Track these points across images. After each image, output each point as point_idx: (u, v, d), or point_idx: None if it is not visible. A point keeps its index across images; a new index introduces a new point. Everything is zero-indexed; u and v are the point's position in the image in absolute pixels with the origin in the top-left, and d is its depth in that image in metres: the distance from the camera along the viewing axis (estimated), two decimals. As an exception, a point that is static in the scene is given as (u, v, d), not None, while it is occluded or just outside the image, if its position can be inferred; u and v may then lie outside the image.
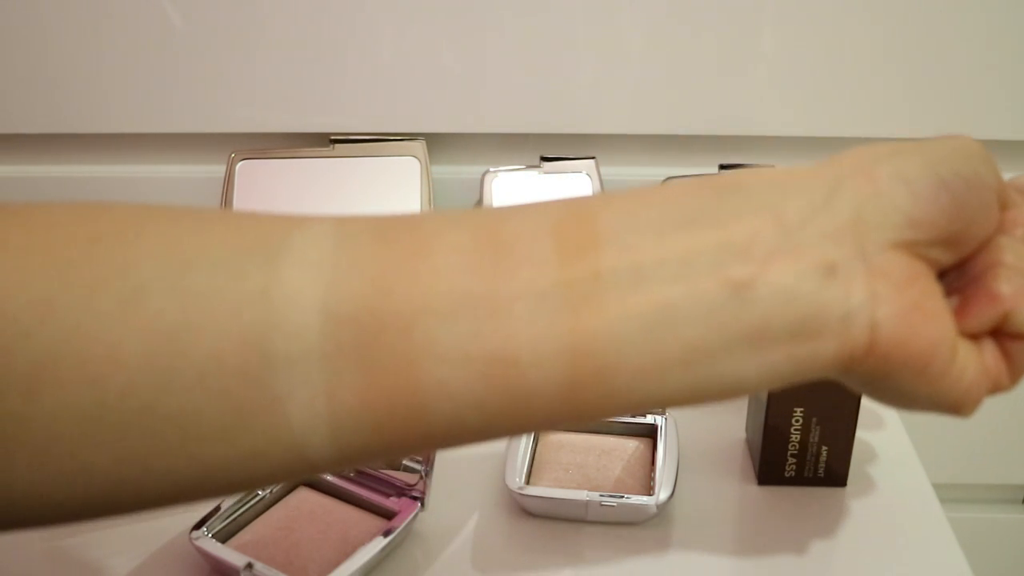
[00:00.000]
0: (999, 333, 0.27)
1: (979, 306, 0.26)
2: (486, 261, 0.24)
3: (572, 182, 0.67)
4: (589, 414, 0.25)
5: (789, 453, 0.52)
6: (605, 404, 0.24)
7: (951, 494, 0.68)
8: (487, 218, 0.25)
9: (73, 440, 0.23)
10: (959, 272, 0.27)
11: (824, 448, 0.52)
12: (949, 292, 0.27)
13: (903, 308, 0.24)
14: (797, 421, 0.51)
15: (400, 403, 0.23)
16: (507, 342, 0.23)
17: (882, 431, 0.58)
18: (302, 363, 0.23)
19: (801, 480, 0.53)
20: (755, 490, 0.53)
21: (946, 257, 0.26)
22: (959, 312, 0.26)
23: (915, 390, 0.25)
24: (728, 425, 0.58)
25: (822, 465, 0.53)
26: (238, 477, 0.24)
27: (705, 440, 0.57)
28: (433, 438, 0.25)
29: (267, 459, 0.24)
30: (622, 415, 0.25)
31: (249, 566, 0.45)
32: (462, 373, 0.23)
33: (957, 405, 0.26)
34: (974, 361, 0.26)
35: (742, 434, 0.58)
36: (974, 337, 0.27)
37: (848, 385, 0.27)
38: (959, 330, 0.26)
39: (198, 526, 0.47)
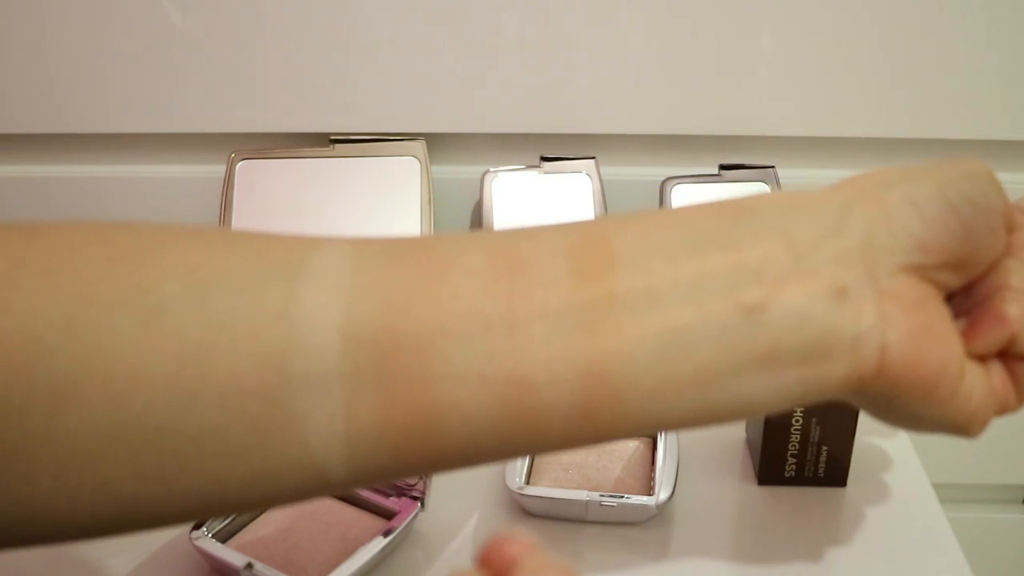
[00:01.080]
0: (1006, 355, 0.27)
1: (986, 328, 0.27)
2: (501, 282, 0.24)
3: (572, 182, 0.67)
4: (603, 435, 0.25)
5: (789, 453, 0.52)
6: (618, 425, 0.24)
7: (951, 494, 0.68)
8: (502, 239, 0.25)
9: (93, 458, 0.23)
10: (966, 294, 0.27)
11: (824, 448, 0.52)
12: (956, 314, 0.27)
13: (912, 331, 0.25)
14: (797, 421, 0.51)
15: (417, 424, 0.24)
16: (522, 363, 0.23)
17: (882, 431, 0.58)
18: (321, 383, 0.23)
19: (801, 480, 0.53)
20: (755, 490, 0.53)
21: (954, 280, 0.26)
22: (967, 334, 0.27)
23: (923, 411, 0.26)
24: (728, 425, 0.58)
25: (822, 465, 0.53)
26: (255, 495, 0.25)
27: (705, 440, 0.57)
28: (449, 458, 0.25)
29: (284, 478, 0.24)
30: (635, 436, 0.25)
31: (249, 566, 0.45)
32: (478, 394, 0.23)
33: (964, 426, 0.26)
34: (981, 383, 0.26)
35: (742, 434, 0.58)
36: (982, 359, 0.27)
37: (856, 405, 0.27)
38: (967, 352, 0.26)
39: (198, 526, 0.47)
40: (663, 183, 0.66)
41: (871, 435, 0.57)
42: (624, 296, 0.24)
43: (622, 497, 0.49)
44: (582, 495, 0.49)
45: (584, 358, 0.23)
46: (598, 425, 0.24)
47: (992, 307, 0.27)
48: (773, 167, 0.67)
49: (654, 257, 0.24)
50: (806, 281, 0.24)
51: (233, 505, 0.25)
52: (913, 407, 0.26)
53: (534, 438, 0.24)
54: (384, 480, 0.26)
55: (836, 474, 0.53)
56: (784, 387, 0.24)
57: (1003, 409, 0.27)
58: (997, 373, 0.27)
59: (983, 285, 0.27)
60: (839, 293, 0.24)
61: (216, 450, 0.23)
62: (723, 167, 0.67)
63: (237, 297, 0.24)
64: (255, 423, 0.23)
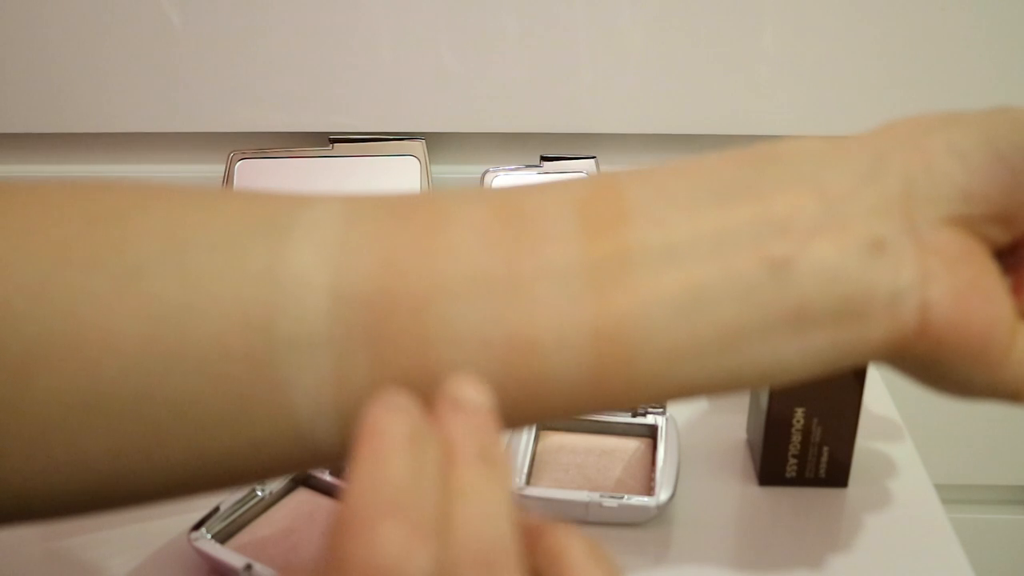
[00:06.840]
0: None
1: None
2: (505, 238, 0.22)
3: (572, 182, 0.67)
4: (615, 402, 0.23)
5: (790, 454, 0.52)
6: (632, 391, 0.23)
7: (953, 495, 0.68)
8: (507, 194, 0.24)
9: (67, 429, 0.22)
10: (1014, 251, 0.25)
11: (825, 448, 0.52)
12: (1005, 271, 0.25)
13: (957, 287, 0.23)
14: (798, 421, 0.51)
15: (412, 390, 0.22)
16: (527, 325, 0.22)
17: (884, 431, 0.58)
18: (309, 347, 0.22)
19: (802, 481, 0.53)
20: (756, 491, 0.53)
21: (1002, 235, 0.24)
22: (1016, 292, 0.25)
23: (971, 376, 0.24)
24: (729, 425, 0.58)
25: (823, 466, 0.52)
26: (240, 467, 0.23)
27: (706, 441, 0.57)
28: None
29: (269, 448, 0.23)
30: (651, 402, 0.23)
31: (248, 567, 0.45)
32: (479, 358, 0.22)
33: (1018, 392, 0.24)
34: None
35: (743, 434, 0.57)
36: None
37: (900, 371, 0.25)
38: (1018, 311, 0.24)
39: (197, 527, 0.47)
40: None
41: (873, 436, 0.57)
42: (639, 251, 0.22)
43: (622, 498, 0.49)
44: (582, 496, 0.49)
45: (595, 320, 0.22)
46: (610, 391, 0.22)
47: None
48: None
49: (671, 209, 0.22)
50: (838, 233, 0.22)
51: (217, 479, 0.24)
52: (961, 372, 0.24)
53: (540, 405, 0.23)
54: None
55: (837, 475, 0.53)
56: (815, 350, 0.22)
57: None
58: None
59: None
60: (875, 246, 0.22)
61: (196, 418, 0.22)
62: (724, 167, 0.67)
63: (219, 256, 0.22)
64: (238, 389, 0.22)
